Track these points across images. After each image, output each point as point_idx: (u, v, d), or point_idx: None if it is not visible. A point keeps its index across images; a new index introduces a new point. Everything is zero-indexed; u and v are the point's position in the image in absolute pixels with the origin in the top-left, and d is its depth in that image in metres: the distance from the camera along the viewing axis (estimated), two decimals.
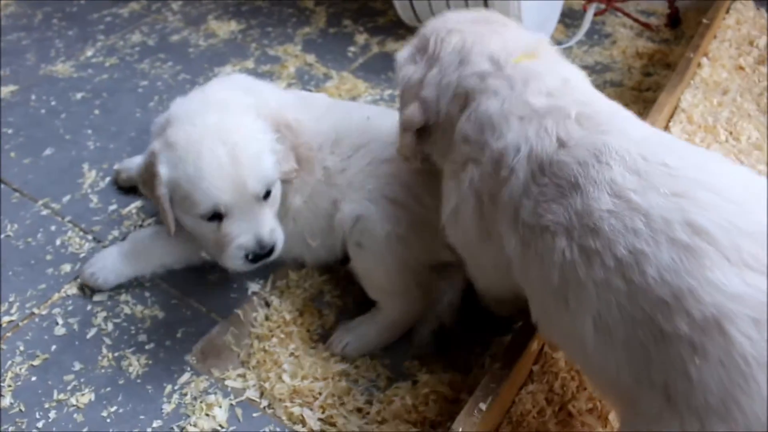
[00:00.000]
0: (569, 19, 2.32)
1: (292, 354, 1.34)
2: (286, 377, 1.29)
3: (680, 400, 0.73)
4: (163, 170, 1.30)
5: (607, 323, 0.80)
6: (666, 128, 1.64)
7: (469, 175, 1.01)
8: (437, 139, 1.11)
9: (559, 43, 2.21)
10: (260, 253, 1.33)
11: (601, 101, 1.02)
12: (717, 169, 0.84)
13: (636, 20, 2.25)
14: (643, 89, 1.97)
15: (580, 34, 2.16)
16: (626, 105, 1.80)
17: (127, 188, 1.74)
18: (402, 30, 2.29)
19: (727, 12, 2.08)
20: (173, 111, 1.41)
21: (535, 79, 1.00)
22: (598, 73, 2.06)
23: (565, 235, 0.84)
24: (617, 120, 0.95)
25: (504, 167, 0.95)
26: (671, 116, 1.67)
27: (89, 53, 2.32)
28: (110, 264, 1.49)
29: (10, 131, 1.99)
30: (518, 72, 1.02)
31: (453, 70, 1.07)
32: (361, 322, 1.37)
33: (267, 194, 1.33)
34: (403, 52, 1.17)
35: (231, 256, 1.32)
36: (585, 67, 2.06)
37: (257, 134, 1.33)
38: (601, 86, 1.99)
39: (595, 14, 2.25)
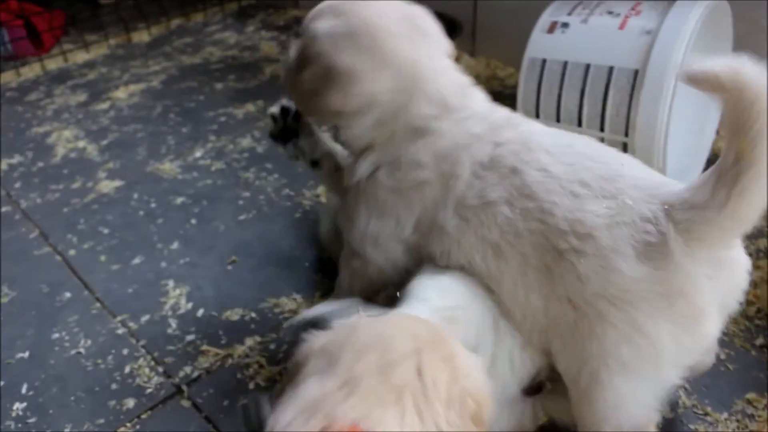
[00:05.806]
0: None
1: None
2: None
3: (578, 300, 1.02)
4: None
5: (527, 257, 1.09)
6: None
7: (421, 195, 1.21)
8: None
9: None
10: None
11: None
12: (593, 144, 1.17)
13: None
14: None
15: None
16: None
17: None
18: None
19: None
20: None
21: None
22: (748, 238, 1.76)
23: (507, 203, 1.12)
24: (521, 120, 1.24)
25: (452, 179, 1.18)
26: None
27: (198, 154, 2.27)
28: None
29: (106, 231, 1.93)
30: None
31: None
32: None
33: None
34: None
35: None
36: None
37: None
38: (753, 255, 1.70)
39: None
